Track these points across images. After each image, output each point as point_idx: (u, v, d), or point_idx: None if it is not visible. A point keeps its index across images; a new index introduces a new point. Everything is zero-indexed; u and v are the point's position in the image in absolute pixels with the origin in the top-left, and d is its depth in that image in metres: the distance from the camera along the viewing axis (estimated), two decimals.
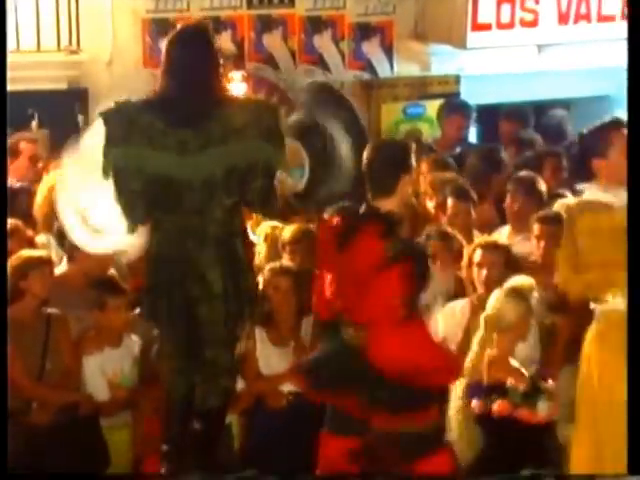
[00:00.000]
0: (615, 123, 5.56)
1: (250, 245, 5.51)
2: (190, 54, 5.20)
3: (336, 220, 5.50)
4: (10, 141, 8.07)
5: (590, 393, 5.42)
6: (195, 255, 5.17)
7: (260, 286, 6.36)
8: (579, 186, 5.48)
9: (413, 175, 5.67)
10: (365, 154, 5.46)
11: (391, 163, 5.44)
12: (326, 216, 5.96)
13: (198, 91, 5.16)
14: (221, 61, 5.33)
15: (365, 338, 5.29)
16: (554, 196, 7.54)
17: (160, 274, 5.26)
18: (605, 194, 5.31)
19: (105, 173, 5.16)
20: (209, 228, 5.16)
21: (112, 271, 6.54)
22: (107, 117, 5.18)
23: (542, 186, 7.52)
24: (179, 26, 5.49)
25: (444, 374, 5.54)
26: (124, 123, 5.14)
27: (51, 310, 6.25)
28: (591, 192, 5.38)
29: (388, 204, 5.39)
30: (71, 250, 6.51)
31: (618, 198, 5.30)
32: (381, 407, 5.34)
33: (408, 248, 5.38)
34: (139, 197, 5.17)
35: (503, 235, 7.36)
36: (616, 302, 5.27)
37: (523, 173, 7.76)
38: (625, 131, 5.47)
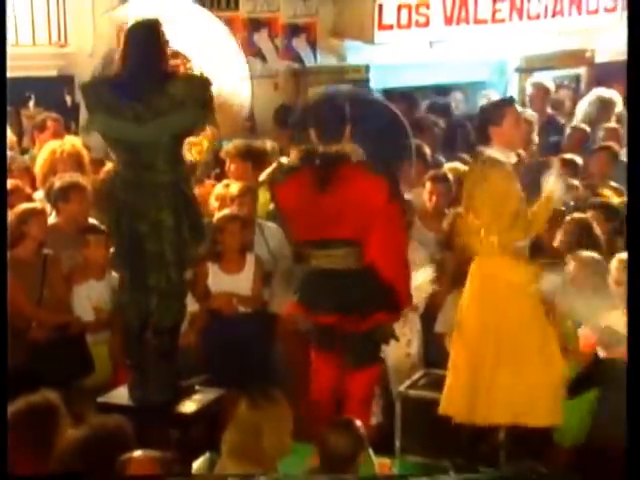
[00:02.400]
0: (509, 100, 5.67)
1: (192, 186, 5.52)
2: (140, 43, 5.17)
3: (308, 169, 5.47)
4: (39, 117, 8.08)
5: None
6: (148, 200, 5.15)
7: (213, 230, 6.38)
8: (478, 148, 5.47)
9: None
10: (311, 107, 5.50)
11: (338, 114, 5.46)
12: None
13: (147, 72, 5.13)
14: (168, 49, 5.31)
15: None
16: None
17: (119, 215, 5.27)
18: (499, 154, 5.32)
19: (85, 131, 5.49)
20: (159, 178, 5.15)
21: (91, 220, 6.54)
22: (84, 88, 5.36)
23: (427, 150, 7.52)
24: (134, 21, 5.49)
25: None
26: (95, 95, 5.22)
27: (47, 251, 6.19)
28: (483, 154, 5.39)
29: (337, 149, 5.41)
30: (56, 203, 6.45)
31: (508, 159, 5.34)
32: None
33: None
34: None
35: None
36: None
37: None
38: (516, 106, 5.58)
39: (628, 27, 4.23)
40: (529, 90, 9.54)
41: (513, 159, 5.38)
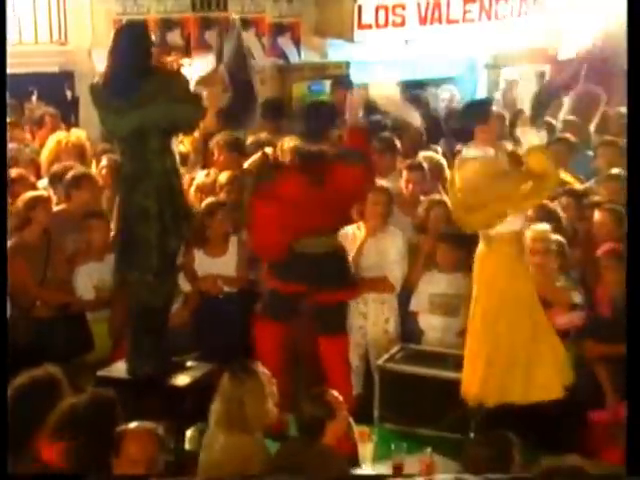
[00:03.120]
0: (489, 100, 5.64)
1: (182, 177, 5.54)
2: (123, 43, 5.25)
3: (299, 169, 5.52)
4: (38, 113, 8.12)
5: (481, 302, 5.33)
6: (137, 187, 5.22)
7: (201, 216, 6.35)
8: (458, 146, 5.46)
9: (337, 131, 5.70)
10: (303, 112, 5.52)
11: (322, 116, 5.49)
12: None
13: (128, 69, 5.18)
14: (153, 49, 5.33)
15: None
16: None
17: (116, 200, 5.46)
18: (476, 151, 5.29)
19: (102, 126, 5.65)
20: (147, 167, 5.20)
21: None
22: (92, 88, 5.40)
23: (397, 143, 7.48)
24: (123, 22, 5.49)
25: None
26: (96, 92, 5.33)
27: (51, 236, 6.15)
28: (467, 151, 5.36)
29: (317, 148, 5.51)
30: (68, 190, 6.42)
31: (485, 153, 5.30)
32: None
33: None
34: None
35: None
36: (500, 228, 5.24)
37: (384, 134, 7.73)
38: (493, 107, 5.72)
39: (628, 26, 4.03)
40: (502, 85, 9.57)
41: (492, 153, 5.33)
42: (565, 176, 7.28)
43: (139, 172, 5.21)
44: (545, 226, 5.87)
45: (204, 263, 6.37)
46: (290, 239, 5.64)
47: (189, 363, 5.62)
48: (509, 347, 5.21)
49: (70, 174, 6.54)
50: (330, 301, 5.77)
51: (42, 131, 7.89)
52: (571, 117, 8.75)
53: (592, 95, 8.73)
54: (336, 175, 5.52)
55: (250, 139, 7.51)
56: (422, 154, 7.43)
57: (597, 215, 6.15)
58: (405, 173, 6.97)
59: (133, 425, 3.92)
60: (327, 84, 9.24)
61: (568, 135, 8.06)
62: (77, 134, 7.43)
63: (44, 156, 7.27)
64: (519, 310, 5.22)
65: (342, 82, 9.07)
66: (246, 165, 7.14)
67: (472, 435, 5.33)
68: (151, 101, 5.10)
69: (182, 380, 5.44)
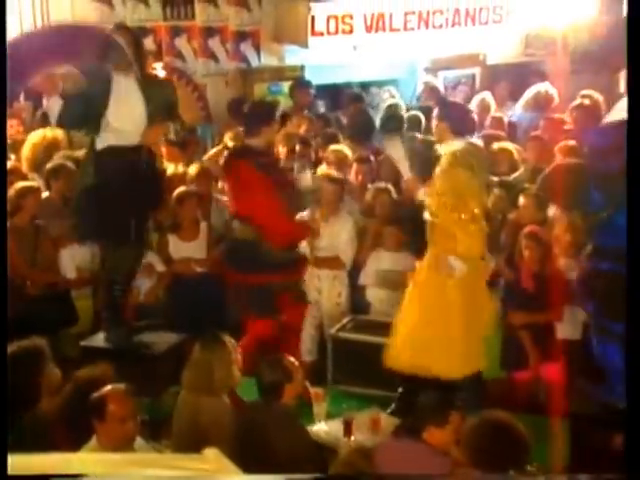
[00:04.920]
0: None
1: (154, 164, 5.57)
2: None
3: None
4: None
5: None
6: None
7: (172, 204, 6.35)
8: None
9: (275, 127, 5.58)
10: (244, 107, 5.50)
11: (258, 115, 5.44)
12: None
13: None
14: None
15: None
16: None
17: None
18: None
19: None
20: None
21: None
22: None
23: (340, 137, 7.53)
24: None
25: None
26: None
27: (39, 222, 6.14)
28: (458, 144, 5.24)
29: (254, 142, 5.40)
30: (48, 178, 6.37)
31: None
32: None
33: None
34: None
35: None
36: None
37: (329, 129, 7.78)
38: None
39: (628, 26, 3.85)
40: (420, 88, 9.61)
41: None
42: None
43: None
44: None
45: (177, 247, 6.38)
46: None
47: (164, 333, 5.63)
48: (435, 323, 5.12)
49: (49, 165, 6.47)
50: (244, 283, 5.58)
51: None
52: (499, 114, 8.79)
53: (546, 95, 8.78)
54: (234, 168, 5.50)
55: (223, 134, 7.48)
56: (334, 147, 7.38)
57: (522, 200, 6.23)
58: (355, 165, 7.02)
59: (108, 388, 3.93)
60: (285, 85, 9.26)
61: (492, 131, 8.00)
62: (54, 131, 7.31)
63: (25, 151, 7.15)
64: (454, 291, 5.15)
65: (302, 83, 9.14)
66: (206, 157, 7.13)
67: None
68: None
69: (157, 349, 5.46)
